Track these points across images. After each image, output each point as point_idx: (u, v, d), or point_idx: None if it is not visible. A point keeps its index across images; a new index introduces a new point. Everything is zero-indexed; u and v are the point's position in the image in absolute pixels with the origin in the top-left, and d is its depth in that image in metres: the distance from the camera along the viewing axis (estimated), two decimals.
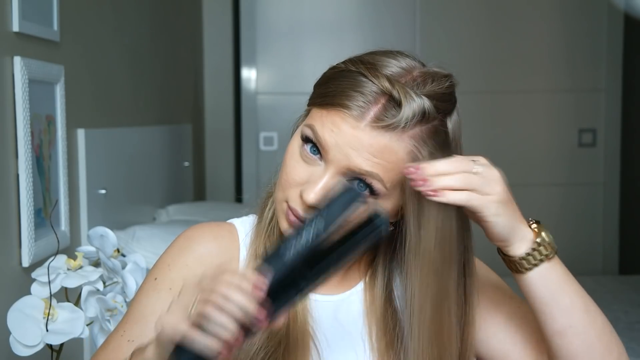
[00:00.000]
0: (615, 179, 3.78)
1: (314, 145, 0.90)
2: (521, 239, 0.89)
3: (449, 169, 0.84)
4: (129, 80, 2.47)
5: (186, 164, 3.15)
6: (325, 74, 0.95)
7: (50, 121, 1.74)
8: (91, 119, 2.06)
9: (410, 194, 0.88)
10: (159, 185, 2.76)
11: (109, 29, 2.26)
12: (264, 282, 0.75)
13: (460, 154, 0.93)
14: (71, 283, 1.27)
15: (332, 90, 0.90)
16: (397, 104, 0.86)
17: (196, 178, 3.44)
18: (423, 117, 0.87)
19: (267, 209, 1.01)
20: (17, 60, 1.55)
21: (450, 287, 0.91)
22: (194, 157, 3.37)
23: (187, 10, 3.39)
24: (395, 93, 0.86)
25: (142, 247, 2.08)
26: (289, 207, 0.91)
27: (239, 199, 3.66)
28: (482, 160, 0.88)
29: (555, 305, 0.90)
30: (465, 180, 0.84)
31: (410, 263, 0.91)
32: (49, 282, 1.26)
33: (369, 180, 0.87)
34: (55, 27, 1.77)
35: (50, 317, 1.24)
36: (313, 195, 0.87)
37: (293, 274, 0.77)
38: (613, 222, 3.79)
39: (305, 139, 0.91)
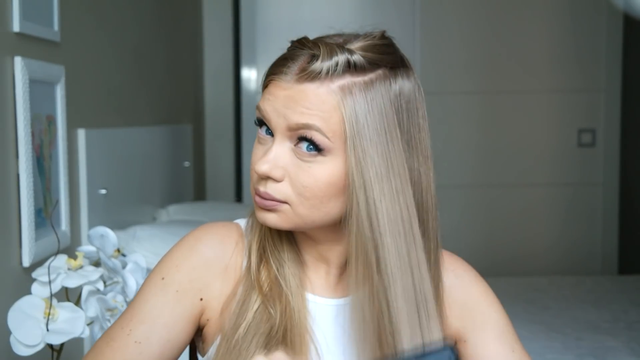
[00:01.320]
0: (614, 179, 3.78)
1: (268, 127, 0.92)
2: None
3: None
4: (129, 80, 2.47)
5: (186, 164, 3.15)
6: None
7: (51, 121, 1.74)
8: (91, 119, 2.07)
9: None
10: (159, 185, 2.76)
11: (109, 29, 2.26)
12: None
13: (417, 123, 0.92)
14: (71, 283, 1.27)
15: (270, 67, 0.94)
16: (319, 56, 0.89)
17: (196, 178, 3.44)
18: (349, 65, 0.89)
19: None
20: (18, 61, 1.55)
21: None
22: (194, 157, 3.37)
23: (187, 11, 3.39)
24: (317, 50, 0.89)
25: (143, 247, 2.09)
26: (257, 194, 0.93)
27: (239, 199, 3.66)
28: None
29: None
30: None
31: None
32: (50, 282, 1.26)
33: (310, 134, 0.88)
34: (56, 27, 1.78)
35: (50, 316, 1.25)
36: (263, 164, 0.90)
37: None
38: (612, 222, 3.79)
39: (259, 122, 0.94)
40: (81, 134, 1.96)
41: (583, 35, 3.73)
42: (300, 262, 1.00)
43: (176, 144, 3.01)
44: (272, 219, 0.93)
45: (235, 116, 3.71)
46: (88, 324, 1.29)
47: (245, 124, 3.69)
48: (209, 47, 3.64)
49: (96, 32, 2.14)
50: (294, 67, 0.90)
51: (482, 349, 1.01)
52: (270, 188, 0.91)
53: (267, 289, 0.97)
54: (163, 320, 0.97)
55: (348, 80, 0.89)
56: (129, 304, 1.02)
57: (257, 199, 0.92)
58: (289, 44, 0.95)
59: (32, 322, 1.23)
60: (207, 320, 1.00)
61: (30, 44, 1.64)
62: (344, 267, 1.01)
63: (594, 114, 3.77)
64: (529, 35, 3.72)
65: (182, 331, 0.98)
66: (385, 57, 0.91)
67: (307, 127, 0.88)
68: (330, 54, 0.89)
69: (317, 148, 0.89)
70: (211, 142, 3.70)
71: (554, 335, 2.27)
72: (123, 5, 2.40)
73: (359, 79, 0.89)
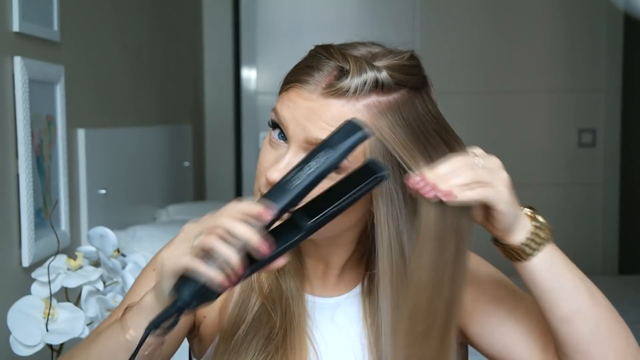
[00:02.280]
0: (614, 179, 3.78)
1: (281, 131, 0.91)
2: (521, 225, 0.86)
3: (452, 167, 0.81)
4: (129, 80, 2.47)
5: (186, 164, 3.15)
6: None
7: (51, 121, 1.74)
8: (91, 119, 2.06)
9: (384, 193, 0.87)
10: (159, 185, 2.76)
11: (109, 29, 2.26)
12: (268, 214, 0.75)
13: (436, 144, 0.90)
14: (71, 283, 1.27)
15: (290, 73, 0.92)
16: (349, 72, 0.87)
17: (196, 178, 3.44)
18: (377, 85, 0.87)
19: None
20: (17, 60, 1.55)
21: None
22: (194, 157, 3.37)
23: (187, 10, 3.39)
24: (346, 64, 0.87)
25: (142, 247, 2.08)
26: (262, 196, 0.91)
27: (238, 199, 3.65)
28: (478, 150, 0.85)
29: (559, 290, 0.87)
30: (473, 174, 0.81)
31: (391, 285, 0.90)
32: (49, 282, 1.26)
33: None
34: (55, 27, 1.78)
35: (50, 317, 1.24)
36: (276, 173, 0.87)
37: (295, 211, 0.77)
38: (613, 222, 3.79)
39: (272, 125, 0.92)
40: (81, 134, 1.96)
41: (583, 35, 3.72)
42: (300, 263, 1.00)
43: (176, 144, 3.01)
44: None
45: (235, 116, 3.71)
46: (88, 324, 1.29)
47: (245, 124, 3.68)
48: (209, 47, 3.64)
49: (96, 32, 2.14)
50: (320, 79, 0.88)
51: (483, 298, 0.98)
52: None
53: (267, 290, 0.97)
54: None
55: (374, 99, 0.87)
56: (122, 300, 1.01)
57: None
58: (312, 48, 0.93)
59: (31, 322, 1.23)
60: (204, 317, 1.00)
61: (29, 44, 1.64)
62: (343, 268, 1.00)
63: (594, 114, 3.77)
64: (529, 35, 3.72)
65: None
66: (411, 79, 0.90)
67: None
68: (360, 71, 0.87)
69: None
70: (211, 142, 3.69)
71: None
72: (123, 5, 2.40)
73: (384, 98, 0.88)
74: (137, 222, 2.35)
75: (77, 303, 1.29)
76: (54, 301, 1.25)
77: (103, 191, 2.08)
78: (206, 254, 0.75)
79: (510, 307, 0.98)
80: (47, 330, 1.24)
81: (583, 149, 3.78)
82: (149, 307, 0.81)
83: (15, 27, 1.56)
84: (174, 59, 3.07)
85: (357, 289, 1.01)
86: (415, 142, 0.87)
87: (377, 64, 0.88)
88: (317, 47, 0.93)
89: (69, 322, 1.25)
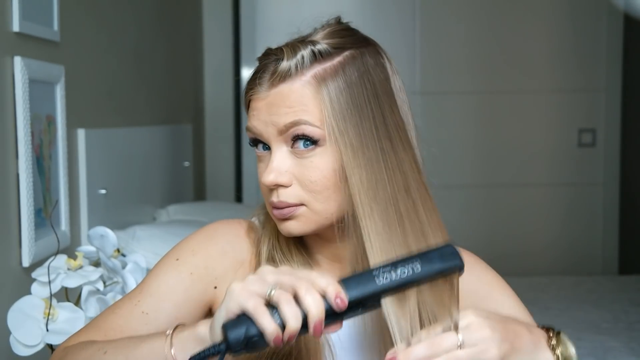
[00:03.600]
0: (615, 179, 3.78)
1: (262, 143, 0.94)
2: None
3: (428, 353, 0.77)
4: (129, 80, 2.47)
5: (186, 164, 3.15)
6: None
7: (51, 121, 1.74)
8: (91, 119, 2.06)
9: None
10: (159, 185, 2.76)
11: (109, 29, 2.26)
12: (343, 304, 0.76)
13: (393, 98, 0.94)
14: (71, 283, 1.27)
15: (247, 86, 0.96)
16: (283, 55, 0.92)
17: (196, 178, 3.44)
18: (315, 56, 0.92)
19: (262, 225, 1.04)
20: (17, 60, 1.55)
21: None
22: (194, 157, 3.37)
23: (187, 10, 3.39)
24: (280, 53, 0.93)
25: (142, 247, 2.08)
26: (273, 206, 0.94)
27: (239, 199, 3.66)
28: (466, 320, 0.79)
29: None
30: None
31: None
32: (49, 282, 1.26)
33: (301, 130, 0.90)
34: (55, 27, 1.78)
35: (50, 316, 1.24)
36: (266, 175, 0.91)
37: (370, 298, 0.78)
38: (613, 222, 3.79)
39: (253, 143, 0.96)
40: (81, 134, 1.96)
41: (583, 35, 3.72)
42: (310, 265, 1.00)
43: (176, 144, 3.01)
44: (294, 227, 0.93)
45: (235, 116, 3.71)
46: None
47: (245, 124, 3.68)
48: (209, 47, 3.64)
49: (96, 32, 2.14)
50: (266, 76, 0.92)
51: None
52: (282, 195, 0.92)
53: None
54: (173, 297, 0.96)
55: (318, 68, 0.91)
56: (140, 283, 1.01)
57: (275, 211, 0.93)
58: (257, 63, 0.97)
59: (31, 322, 1.23)
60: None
61: (29, 44, 1.64)
62: (357, 265, 1.00)
63: (594, 113, 3.77)
64: (529, 36, 3.72)
65: (190, 313, 0.97)
66: (348, 40, 0.95)
67: (296, 124, 0.90)
68: (294, 51, 0.92)
69: (312, 141, 0.91)
70: (211, 142, 3.70)
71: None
72: (123, 5, 2.40)
73: (328, 64, 0.92)
74: (137, 222, 2.35)
75: (77, 303, 1.29)
76: (54, 301, 1.25)
77: (103, 191, 2.08)
78: (276, 305, 0.75)
79: None
80: (47, 330, 1.24)
81: (583, 149, 3.78)
82: (199, 337, 0.80)
83: (15, 27, 1.56)
84: (174, 59, 3.07)
85: None
86: (351, 112, 0.90)
87: (310, 39, 0.94)
88: (259, 57, 0.98)
89: (69, 322, 1.25)
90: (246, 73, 3.67)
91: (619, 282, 3.02)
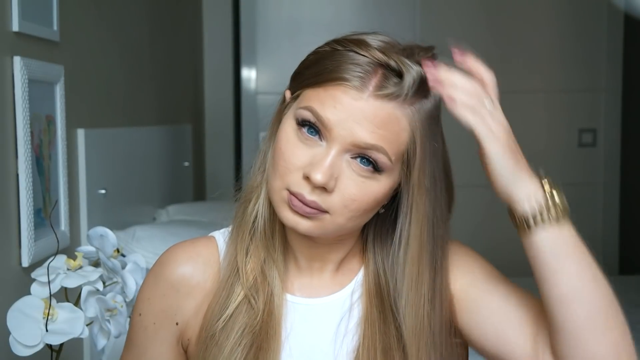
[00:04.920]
0: (615, 179, 3.78)
1: (311, 127, 0.87)
2: (526, 195, 0.87)
3: (466, 86, 0.85)
4: (129, 80, 2.47)
5: (186, 164, 3.15)
6: (308, 58, 0.93)
7: (50, 121, 1.74)
8: (91, 119, 2.06)
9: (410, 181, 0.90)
10: (159, 185, 2.76)
11: (108, 29, 2.25)
12: None
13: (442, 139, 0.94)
14: (71, 283, 1.27)
15: (325, 68, 0.88)
16: (397, 73, 0.86)
17: (196, 178, 3.44)
18: (421, 85, 0.87)
19: (252, 204, 0.99)
20: (17, 60, 1.55)
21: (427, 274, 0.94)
22: (194, 157, 3.37)
23: (187, 10, 3.39)
24: (392, 62, 0.86)
25: (142, 247, 2.08)
26: (292, 193, 0.88)
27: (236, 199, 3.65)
28: (494, 101, 0.88)
29: (560, 271, 0.86)
30: (477, 104, 0.85)
31: (401, 250, 0.93)
32: (49, 282, 1.25)
33: (374, 155, 0.86)
34: (55, 27, 1.77)
35: (50, 317, 1.24)
36: (320, 175, 0.85)
37: None
38: (613, 222, 3.79)
39: (302, 123, 0.88)
40: (80, 133, 1.96)
41: (584, 35, 3.72)
42: (286, 261, 0.99)
43: (176, 144, 3.01)
44: (305, 226, 0.89)
45: (235, 116, 3.71)
46: (87, 325, 1.28)
47: (245, 124, 3.68)
48: (209, 47, 3.64)
49: (96, 32, 2.14)
50: (370, 81, 0.85)
51: (475, 287, 0.98)
52: (319, 197, 0.87)
53: (252, 281, 0.96)
54: (150, 346, 1.00)
55: (422, 104, 0.88)
56: (125, 344, 1.04)
57: (296, 202, 0.87)
58: (331, 46, 0.90)
59: (31, 322, 1.23)
60: (189, 340, 1.00)
61: (29, 44, 1.64)
62: (341, 262, 1.00)
63: (594, 113, 3.77)
64: (529, 36, 3.72)
65: (178, 353, 1.01)
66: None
67: (375, 148, 0.86)
68: (407, 69, 0.86)
69: (375, 168, 0.87)
70: (211, 142, 3.69)
71: None
72: (123, 5, 2.40)
73: (429, 105, 0.89)
74: (137, 222, 2.35)
75: (76, 303, 1.29)
76: (54, 301, 1.25)
77: (103, 191, 2.08)
78: None
79: (503, 296, 0.96)
80: (47, 330, 1.24)
81: (583, 149, 3.78)
82: None
83: (15, 27, 1.55)
84: (173, 59, 3.07)
85: (351, 286, 1.00)
86: (431, 175, 0.91)
87: (414, 60, 0.89)
88: (337, 43, 0.90)
89: (68, 322, 1.25)
90: (246, 73, 3.67)
91: (619, 282, 3.01)
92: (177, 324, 0.99)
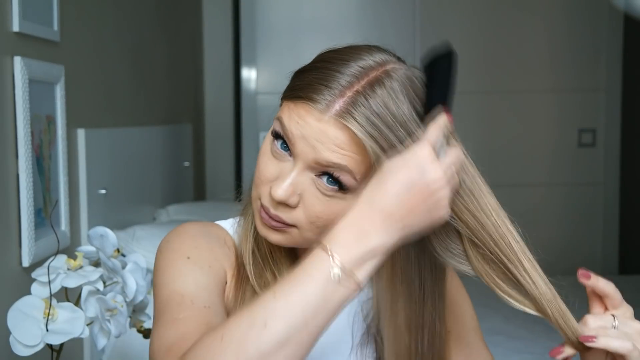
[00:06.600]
0: (615, 179, 3.78)
1: (284, 142, 0.87)
2: None
3: (599, 324, 0.94)
4: (129, 80, 2.47)
5: (186, 164, 3.15)
6: (298, 70, 0.92)
7: (51, 121, 1.74)
8: (91, 119, 2.06)
9: None
10: (159, 185, 2.76)
11: (109, 29, 2.26)
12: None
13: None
14: (71, 283, 1.27)
15: (301, 82, 0.87)
16: (364, 98, 0.83)
17: (196, 178, 3.44)
18: (380, 110, 0.84)
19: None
20: (17, 60, 1.55)
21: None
22: (194, 157, 3.37)
23: (187, 11, 3.39)
24: (359, 87, 0.83)
25: (142, 247, 2.08)
26: (262, 205, 0.88)
27: (239, 199, 3.65)
28: (624, 313, 0.94)
29: None
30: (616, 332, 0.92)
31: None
32: (49, 282, 1.26)
33: (338, 173, 0.84)
34: (55, 27, 1.77)
35: (50, 317, 1.24)
36: (280, 191, 0.85)
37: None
38: (613, 222, 3.79)
39: (275, 135, 0.88)
40: (81, 133, 1.96)
41: (583, 35, 3.72)
42: (291, 266, 0.99)
43: (176, 144, 3.01)
44: (275, 238, 0.89)
45: (235, 116, 3.71)
46: (87, 324, 1.29)
47: (245, 124, 3.68)
48: (209, 47, 3.64)
49: (96, 32, 2.14)
50: (332, 100, 0.83)
51: (464, 337, 1.04)
52: (282, 212, 0.87)
53: (263, 284, 0.95)
54: (212, 286, 0.91)
55: (384, 130, 0.83)
56: (158, 296, 0.91)
57: (264, 215, 0.88)
58: (321, 53, 0.89)
59: (31, 322, 1.23)
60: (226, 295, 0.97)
61: (29, 44, 1.64)
62: None
63: (594, 113, 3.77)
64: (529, 35, 3.72)
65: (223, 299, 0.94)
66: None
67: (339, 167, 0.84)
68: (373, 95, 0.83)
69: (341, 187, 0.85)
70: (211, 142, 3.70)
71: (555, 336, 2.26)
72: (123, 5, 2.40)
73: (394, 129, 0.86)
74: (137, 222, 2.35)
75: (77, 303, 1.29)
76: (54, 301, 1.25)
77: (103, 191, 2.08)
78: None
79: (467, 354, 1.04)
80: (47, 330, 1.24)
81: (583, 149, 3.78)
82: (363, 230, 0.82)
83: (15, 27, 1.56)
84: (174, 59, 3.07)
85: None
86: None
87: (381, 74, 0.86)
88: (324, 56, 0.89)
89: (68, 322, 1.25)
90: (246, 73, 3.67)
91: (619, 282, 3.02)
92: (225, 271, 0.95)
